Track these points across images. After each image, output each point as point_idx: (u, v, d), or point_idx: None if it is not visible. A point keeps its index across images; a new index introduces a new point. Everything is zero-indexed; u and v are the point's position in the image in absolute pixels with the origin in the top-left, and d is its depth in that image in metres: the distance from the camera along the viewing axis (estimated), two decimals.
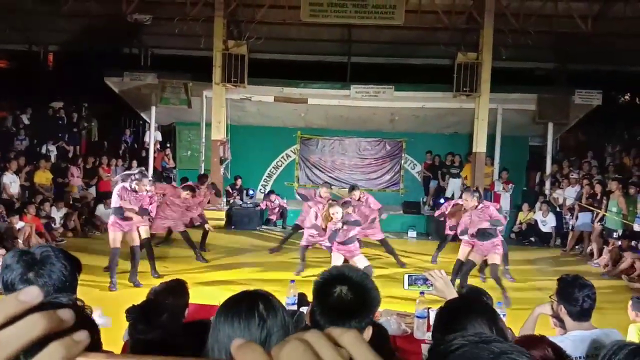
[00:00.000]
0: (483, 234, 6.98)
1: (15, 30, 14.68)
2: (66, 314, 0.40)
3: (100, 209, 11.62)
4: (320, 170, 15.00)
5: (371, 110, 13.56)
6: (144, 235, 7.64)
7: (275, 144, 14.86)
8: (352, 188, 8.94)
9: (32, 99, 14.46)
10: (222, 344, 1.36)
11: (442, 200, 12.44)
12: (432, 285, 2.19)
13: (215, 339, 1.37)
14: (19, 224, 9.03)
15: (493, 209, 7.19)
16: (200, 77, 13.23)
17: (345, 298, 1.63)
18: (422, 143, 14.65)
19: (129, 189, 7.21)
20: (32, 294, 0.40)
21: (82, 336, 0.38)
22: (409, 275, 2.42)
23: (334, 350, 0.38)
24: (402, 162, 15.00)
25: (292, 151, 15.11)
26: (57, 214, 10.64)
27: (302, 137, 15.04)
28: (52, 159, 12.70)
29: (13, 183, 10.77)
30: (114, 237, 7.15)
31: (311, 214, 8.21)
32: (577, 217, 11.32)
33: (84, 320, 1.26)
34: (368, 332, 1.62)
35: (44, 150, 13.04)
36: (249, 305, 1.39)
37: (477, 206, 7.05)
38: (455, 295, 2.13)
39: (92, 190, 12.77)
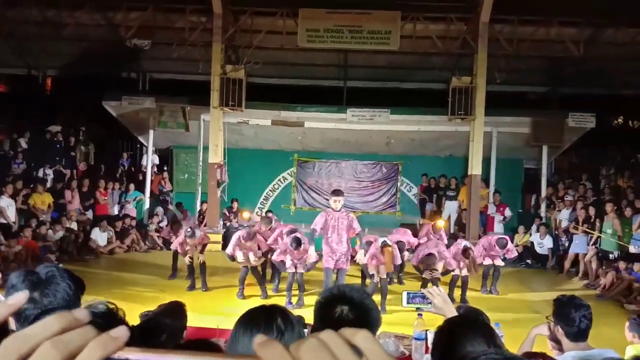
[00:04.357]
0: None
1: (15, 55, 14.81)
2: (81, 314, 0.43)
3: (96, 232, 11.60)
4: (317, 193, 15.04)
5: (367, 133, 13.67)
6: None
7: (272, 166, 14.93)
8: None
9: (30, 123, 14.52)
10: None
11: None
12: (430, 302, 2.21)
13: (234, 351, 1.40)
14: (16, 248, 9.00)
15: None
16: (198, 101, 13.33)
17: (346, 318, 1.65)
18: (418, 166, 14.74)
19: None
20: (19, 298, 0.45)
21: (120, 332, 0.42)
22: (407, 292, 2.44)
23: (348, 348, 0.41)
24: (399, 184, 15.07)
25: (288, 174, 15.17)
26: (54, 237, 10.61)
27: (298, 160, 15.12)
28: (49, 183, 12.71)
29: (10, 207, 10.76)
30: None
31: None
32: (572, 239, 11.36)
33: (118, 322, 1.31)
34: None
35: (40, 174, 13.06)
36: (268, 318, 1.42)
37: None
38: (454, 312, 2.15)
39: (89, 214, 12.76)
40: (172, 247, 9.28)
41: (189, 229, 8.74)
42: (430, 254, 8.15)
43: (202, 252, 8.77)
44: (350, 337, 0.43)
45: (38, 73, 16.34)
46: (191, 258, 8.63)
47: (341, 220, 7.37)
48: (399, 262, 8.28)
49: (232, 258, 8.29)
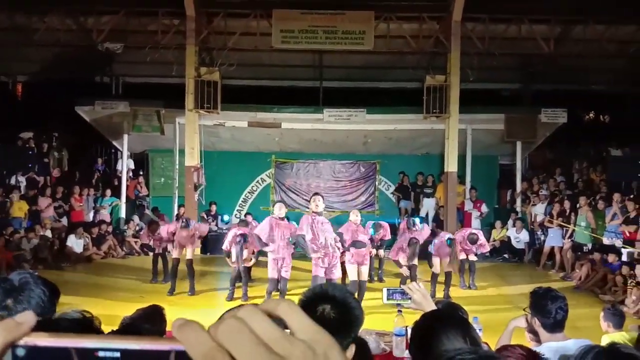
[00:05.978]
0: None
1: None
2: None
3: (72, 239, 11.41)
4: (295, 194, 15.02)
5: (344, 133, 13.71)
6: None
7: (250, 168, 14.86)
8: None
9: (1, 130, 14.20)
10: None
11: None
12: (410, 298, 2.24)
13: None
14: None
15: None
16: (172, 104, 13.20)
17: (328, 316, 1.65)
18: (395, 164, 14.83)
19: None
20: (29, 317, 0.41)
21: (26, 317, 0.39)
22: (387, 289, 2.47)
23: (268, 322, 0.39)
24: (377, 183, 15.14)
25: (267, 175, 15.12)
26: (28, 245, 10.41)
27: (276, 161, 15.09)
28: (22, 190, 12.46)
29: None
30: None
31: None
32: (547, 233, 11.55)
33: (94, 331, 1.30)
34: (351, 350, 1.63)
35: (13, 181, 12.80)
36: None
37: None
38: (433, 307, 2.18)
39: (64, 221, 12.54)
40: (171, 253, 8.97)
41: (183, 220, 8.70)
42: (412, 238, 8.23)
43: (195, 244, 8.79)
44: (271, 310, 0.41)
45: (8, 79, 16.00)
46: (179, 253, 8.55)
47: (325, 225, 7.11)
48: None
49: (228, 254, 8.35)
